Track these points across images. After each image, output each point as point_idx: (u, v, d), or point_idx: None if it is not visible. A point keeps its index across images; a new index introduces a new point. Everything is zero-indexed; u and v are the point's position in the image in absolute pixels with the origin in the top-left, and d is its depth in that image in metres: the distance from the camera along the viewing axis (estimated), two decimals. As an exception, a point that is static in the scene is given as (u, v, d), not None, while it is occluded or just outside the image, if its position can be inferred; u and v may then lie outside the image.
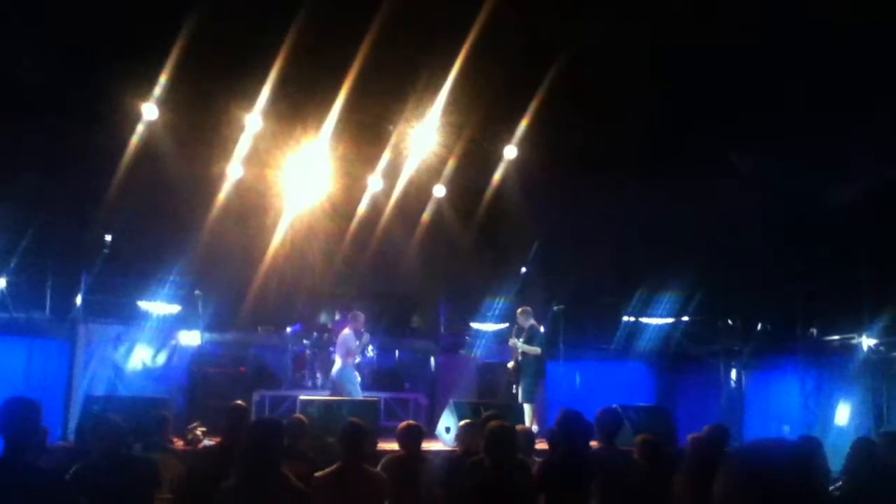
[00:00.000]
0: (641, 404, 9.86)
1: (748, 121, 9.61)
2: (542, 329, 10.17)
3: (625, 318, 12.01)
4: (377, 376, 11.64)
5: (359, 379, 9.99)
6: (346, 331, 9.94)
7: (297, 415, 6.83)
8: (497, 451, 4.42)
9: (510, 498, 4.32)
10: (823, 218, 9.86)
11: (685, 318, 11.75)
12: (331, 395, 9.63)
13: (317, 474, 4.56)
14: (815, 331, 9.71)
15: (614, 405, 8.29)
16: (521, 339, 9.92)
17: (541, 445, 7.32)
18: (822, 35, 7.85)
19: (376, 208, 12.03)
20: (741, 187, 10.53)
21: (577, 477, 4.75)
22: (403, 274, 12.76)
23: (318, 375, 11.23)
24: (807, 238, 9.93)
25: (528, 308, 10.26)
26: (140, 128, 9.80)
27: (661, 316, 11.88)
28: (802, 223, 10.02)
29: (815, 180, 9.91)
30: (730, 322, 11.01)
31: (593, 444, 5.74)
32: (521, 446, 5.90)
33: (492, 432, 4.49)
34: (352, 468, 4.63)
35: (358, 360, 10.12)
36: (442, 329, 13.03)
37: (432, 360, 12.33)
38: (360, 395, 9.72)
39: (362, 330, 10.03)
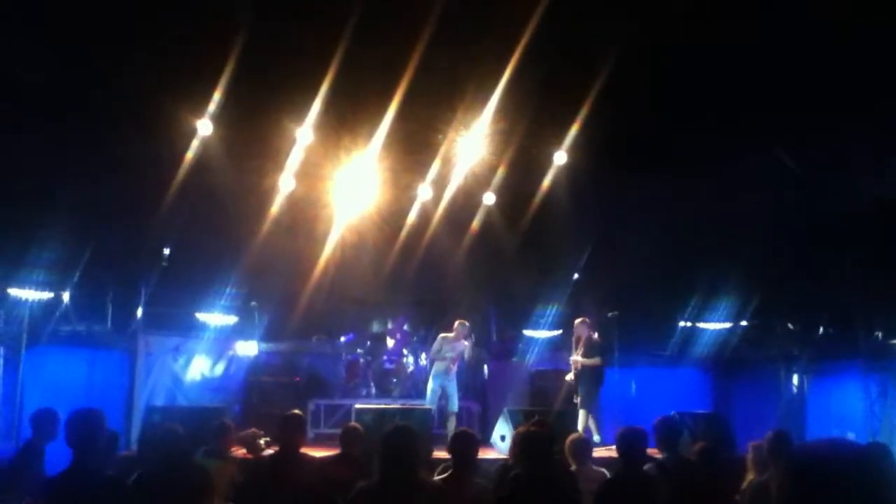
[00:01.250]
0: (698, 411, 9.68)
1: (790, 118, 9.42)
2: (596, 336, 10.11)
3: (680, 324, 11.81)
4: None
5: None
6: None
7: (352, 423, 6.89)
8: (525, 458, 4.32)
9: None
10: (878, 217, 9.58)
11: (742, 323, 11.51)
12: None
13: (360, 483, 4.54)
14: (879, 334, 9.42)
15: (672, 412, 8.20)
16: (579, 353, 9.96)
17: (599, 453, 7.24)
18: (850, 26, 7.65)
19: (425, 217, 12.07)
20: (792, 185, 10.29)
21: (641, 489, 4.66)
22: (453, 282, 12.77)
23: (372, 384, 11.31)
24: (864, 238, 9.65)
25: (586, 319, 10.25)
26: (195, 142, 10.00)
27: (717, 321, 11.65)
28: (857, 223, 9.74)
29: (862, 177, 9.64)
30: (789, 326, 10.75)
31: (653, 451, 5.66)
32: (575, 454, 5.85)
33: (520, 438, 4.39)
34: (464, 478, 4.56)
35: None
36: (493, 336, 13.00)
37: (485, 367, 12.30)
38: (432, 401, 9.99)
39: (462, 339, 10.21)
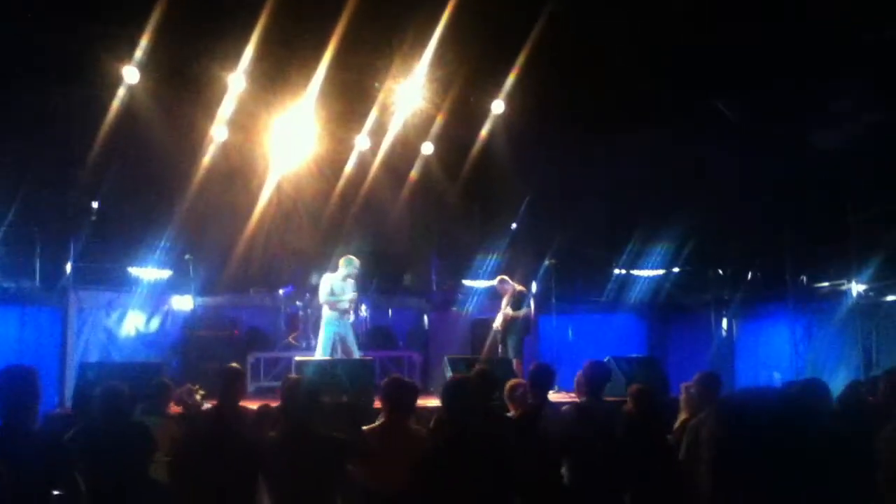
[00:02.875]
0: (633, 355, 9.95)
1: (731, 70, 9.57)
2: (523, 289, 10.21)
3: (616, 271, 12.07)
4: (371, 335, 11.68)
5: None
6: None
7: (292, 375, 6.86)
8: (455, 408, 4.40)
9: (475, 450, 4.16)
10: (810, 165, 9.86)
11: (675, 270, 11.82)
12: None
13: (364, 428, 4.57)
14: (805, 278, 9.79)
15: (605, 358, 8.41)
16: (508, 308, 10.03)
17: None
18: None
19: (364, 167, 11.96)
20: (727, 137, 10.51)
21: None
22: (393, 232, 12.73)
23: (312, 336, 11.27)
24: (794, 186, 9.94)
25: (503, 276, 10.36)
26: (121, 91, 9.64)
27: (651, 268, 11.94)
28: (789, 171, 10.02)
29: (799, 127, 9.89)
30: (720, 272, 11.08)
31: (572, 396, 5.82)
32: (513, 399, 5.96)
33: (449, 388, 4.45)
34: (396, 425, 4.59)
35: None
36: (434, 286, 13.06)
37: (425, 317, 12.37)
38: None
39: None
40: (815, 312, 9.61)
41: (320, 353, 9.32)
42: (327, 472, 4.18)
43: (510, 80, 10.34)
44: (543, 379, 5.62)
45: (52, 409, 8.10)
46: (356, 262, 9.68)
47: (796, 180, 9.91)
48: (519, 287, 10.19)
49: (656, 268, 11.94)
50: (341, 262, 9.65)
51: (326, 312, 9.48)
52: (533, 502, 4.56)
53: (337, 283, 9.50)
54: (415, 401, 4.88)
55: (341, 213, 12.27)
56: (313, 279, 12.38)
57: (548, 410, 5.43)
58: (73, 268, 9.97)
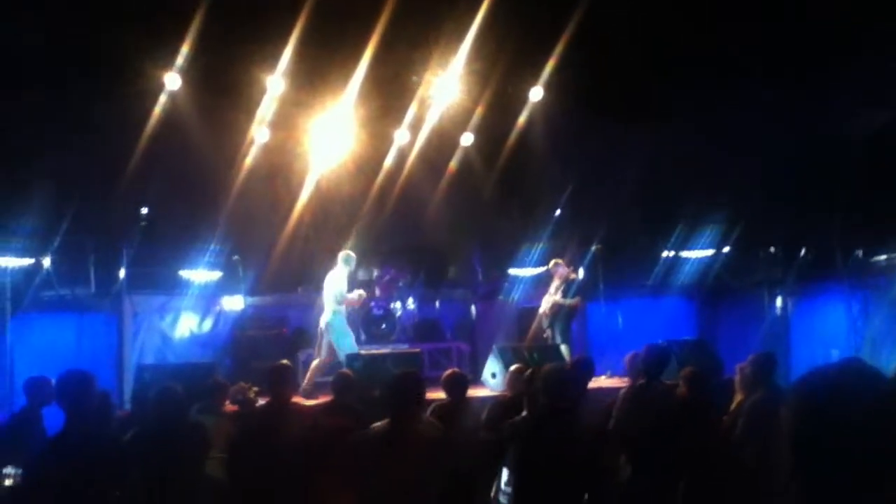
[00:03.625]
0: (684, 338, 9.82)
1: (772, 47, 9.36)
2: (575, 276, 10.18)
3: (663, 254, 11.89)
4: (418, 328, 11.75)
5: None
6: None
7: (343, 370, 6.92)
8: (546, 391, 4.38)
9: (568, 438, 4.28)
10: (858, 135, 9.61)
11: (724, 251, 11.59)
12: None
13: (374, 425, 4.55)
14: (860, 252, 9.52)
15: (660, 342, 8.31)
16: (558, 294, 10.00)
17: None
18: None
19: (403, 162, 11.97)
20: (771, 114, 10.27)
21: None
22: (434, 226, 12.74)
23: (361, 331, 11.36)
24: (843, 158, 9.68)
25: (559, 259, 10.32)
26: (163, 98, 9.81)
27: (699, 249, 11.74)
28: (837, 143, 9.76)
29: (843, 105, 9.63)
30: (771, 251, 10.84)
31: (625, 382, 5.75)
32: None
33: (541, 373, 4.44)
34: (403, 423, 4.59)
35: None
36: (479, 277, 13.06)
37: (472, 308, 12.37)
38: None
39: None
40: (872, 287, 9.34)
41: (351, 349, 9.17)
42: (425, 466, 4.13)
43: (548, 68, 10.26)
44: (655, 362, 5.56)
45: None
46: (354, 256, 9.60)
47: (845, 152, 9.66)
48: (572, 274, 10.16)
49: (705, 249, 11.72)
50: (343, 257, 9.50)
51: (338, 310, 9.23)
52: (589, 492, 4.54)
53: (345, 281, 9.42)
54: (461, 393, 4.89)
55: (382, 208, 12.31)
56: (359, 275, 12.49)
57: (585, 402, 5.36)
58: (126, 274, 10.19)
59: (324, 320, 9.24)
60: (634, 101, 10.59)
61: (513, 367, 6.48)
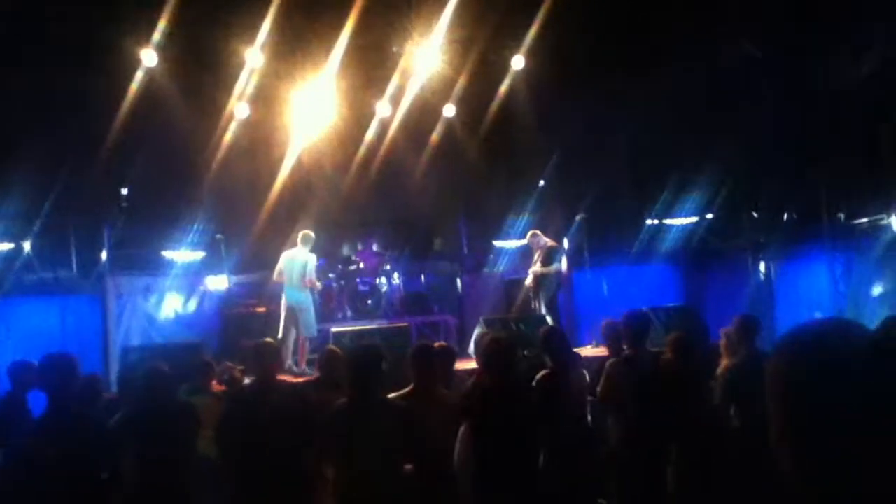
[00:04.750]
0: (670, 305, 9.86)
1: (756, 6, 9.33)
2: (554, 244, 10.18)
3: (647, 222, 11.90)
4: (405, 302, 11.73)
5: None
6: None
7: (330, 346, 6.91)
8: (488, 369, 4.56)
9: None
10: (839, 100, 9.58)
11: (708, 216, 11.61)
12: None
13: (391, 396, 4.56)
14: (842, 215, 9.56)
15: (641, 308, 8.33)
16: (538, 263, 10.02)
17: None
18: None
19: (385, 134, 11.87)
20: (753, 76, 10.24)
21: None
22: (418, 198, 12.68)
23: (347, 307, 11.34)
24: (825, 122, 9.67)
25: (536, 230, 10.32)
26: (141, 75, 9.66)
27: (684, 216, 11.74)
28: (817, 107, 9.74)
29: (829, 61, 9.60)
30: (754, 215, 10.87)
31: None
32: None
33: (484, 350, 4.67)
34: (424, 391, 4.66)
35: None
36: (465, 249, 13.04)
37: (458, 281, 12.37)
38: None
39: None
40: (855, 250, 9.40)
41: (314, 330, 9.38)
42: (394, 438, 4.18)
43: (530, 34, 10.17)
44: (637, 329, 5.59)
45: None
46: (313, 235, 9.60)
47: (827, 116, 9.64)
48: (550, 243, 10.15)
49: (689, 215, 11.74)
50: (303, 237, 9.49)
51: (302, 289, 9.34)
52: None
53: (313, 261, 9.49)
54: (448, 366, 4.91)
55: (365, 182, 12.24)
56: (344, 250, 12.44)
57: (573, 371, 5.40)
58: (109, 255, 10.11)
59: (294, 299, 9.25)
60: (618, 65, 10.54)
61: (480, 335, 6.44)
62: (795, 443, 1.28)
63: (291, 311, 9.27)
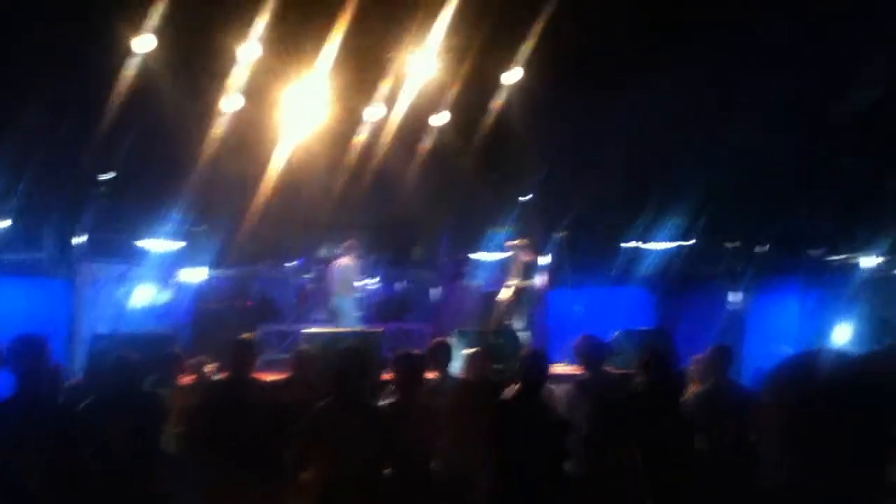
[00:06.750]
0: (642, 328, 9.92)
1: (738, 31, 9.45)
2: (533, 258, 10.22)
3: (625, 245, 11.98)
4: (381, 308, 11.69)
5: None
6: (345, 261, 9.92)
7: (302, 347, 6.89)
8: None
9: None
10: (822, 140, 9.74)
11: (687, 243, 11.72)
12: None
13: (319, 404, 4.58)
14: (818, 252, 9.71)
15: (614, 332, 8.40)
16: (519, 276, 10.06)
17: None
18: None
19: (376, 138, 11.86)
20: (736, 109, 10.36)
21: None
22: (405, 205, 12.67)
23: (323, 309, 11.29)
24: (808, 160, 9.82)
25: (517, 242, 10.39)
26: (131, 60, 9.59)
27: (663, 241, 11.84)
28: (802, 145, 9.89)
29: (810, 99, 9.74)
30: (732, 245, 10.99)
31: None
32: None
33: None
34: (346, 397, 4.63)
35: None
36: (445, 259, 13.03)
37: (436, 290, 12.35)
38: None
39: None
40: (828, 286, 9.54)
41: None
42: (375, 441, 4.21)
43: (524, 47, 10.22)
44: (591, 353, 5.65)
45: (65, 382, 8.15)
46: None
47: (809, 154, 9.79)
48: (530, 256, 10.20)
49: (668, 240, 11.84)
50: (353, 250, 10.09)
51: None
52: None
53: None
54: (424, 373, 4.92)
55: (351, 185, 12.20)
56: (323, 252, 12.39)
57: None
58: (86, 240, 9.99)
59: None
60: (609, 82, 10.59)
61: (470, 351, 6.49)
62: (794, 453, 1.35)
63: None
